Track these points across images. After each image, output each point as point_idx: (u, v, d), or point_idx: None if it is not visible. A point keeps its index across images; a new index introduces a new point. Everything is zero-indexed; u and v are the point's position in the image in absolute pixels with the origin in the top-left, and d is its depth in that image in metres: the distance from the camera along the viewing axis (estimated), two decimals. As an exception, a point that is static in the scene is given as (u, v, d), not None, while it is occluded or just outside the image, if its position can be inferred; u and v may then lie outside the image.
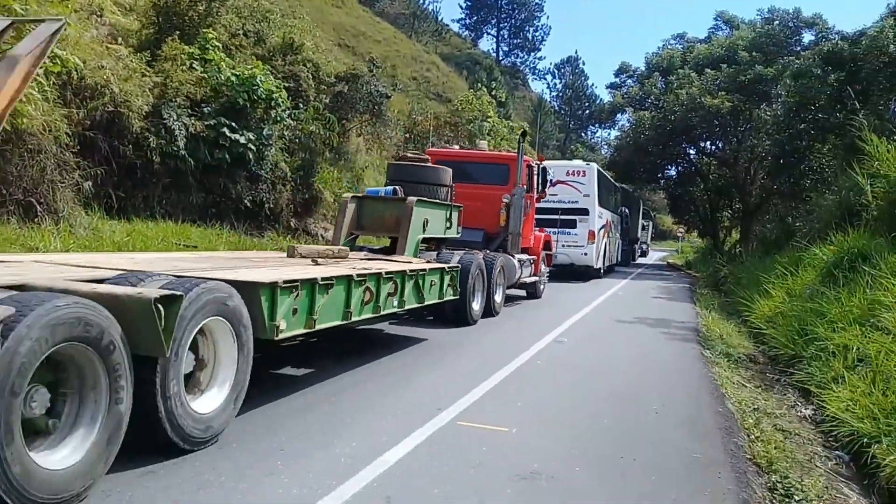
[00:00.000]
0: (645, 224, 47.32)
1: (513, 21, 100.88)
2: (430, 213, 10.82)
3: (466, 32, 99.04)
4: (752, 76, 28.64)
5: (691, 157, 36.99)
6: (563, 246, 20.66)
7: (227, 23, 20.89)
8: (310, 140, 21.61)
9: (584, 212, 22.75)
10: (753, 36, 30.54)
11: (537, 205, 16.13)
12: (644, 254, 48.06)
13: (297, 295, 5.63)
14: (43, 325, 3.37)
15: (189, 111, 17.36)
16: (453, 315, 10.82)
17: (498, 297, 12.44)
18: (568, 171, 22.96)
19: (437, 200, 11.31)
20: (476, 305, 11.29)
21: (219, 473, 4.35)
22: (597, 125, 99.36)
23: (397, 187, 11.12)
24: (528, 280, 15.08)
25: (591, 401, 6.95)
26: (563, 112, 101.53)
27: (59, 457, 3.63)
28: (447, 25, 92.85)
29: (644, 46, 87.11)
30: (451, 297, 9.74)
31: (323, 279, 6.03)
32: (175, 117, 16.68)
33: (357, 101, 25.27)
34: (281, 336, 5.47)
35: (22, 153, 13.33)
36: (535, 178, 15.40)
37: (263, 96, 18.38)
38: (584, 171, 23.49)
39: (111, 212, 15.96)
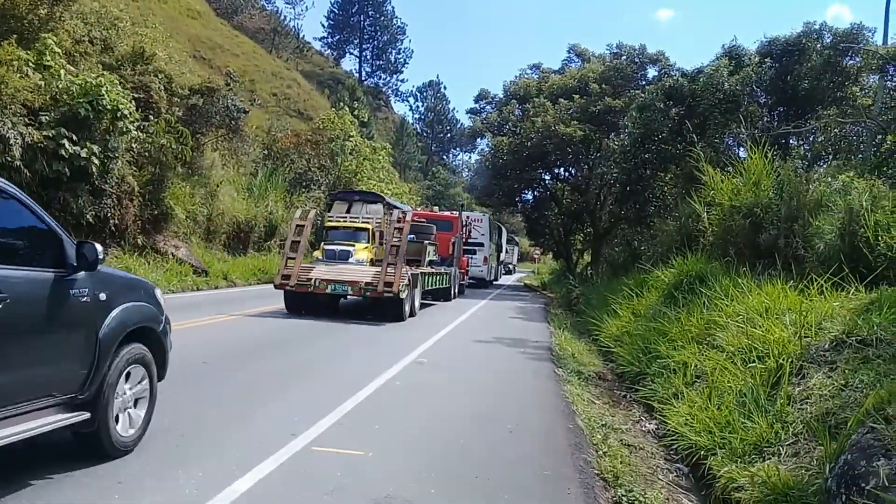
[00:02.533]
0: (509, 249, 56.94)
1: (375, 42, 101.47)
2: (430, 248, 21.17)
3: (329, 51, 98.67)
4: (602, 107, 30.21)
5: (546, 182, 38.41)
6: (470, 266, 30.63)
7: (70, 28, 19.66)
8: (160, 154, 20.61)
9: (481, 244, 34.27)
10: (603, 69, 32.23)
11: (452, 240, 25.17)
12: (510, 272, 58.30)
13: (423, 276, 18.28)
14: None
15: (26, 120, 16.13)
16: (443, 297, 22.26)
17: (457, 289, 24.66)
18: (472, 218, 33.61)
19: (431, 242, 21.45)
20: (453, 291, 23.35)
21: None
22: (458, 149, 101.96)
23: (414, 235, 19.05)
24: (461, 282, 26.23)
25: (448, 421, 6.96)
26: (425, 134, 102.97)
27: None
28: (309, 43, 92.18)
29: (502, 74, 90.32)
30: (446, 286, 22.02)
31: (426, 272, 18.89)
32: (10, 125, 15.44)
33: (213, 115, 24.50)
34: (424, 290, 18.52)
35: None
36: (464, 227, 27.26)
37: (109, 107, 17.35)
38: (481, 219, 36.10)
39: (-70, 226, 14.52)
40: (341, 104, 48.03)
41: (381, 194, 27.25)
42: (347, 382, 8.22)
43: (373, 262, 18.90)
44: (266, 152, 34.70)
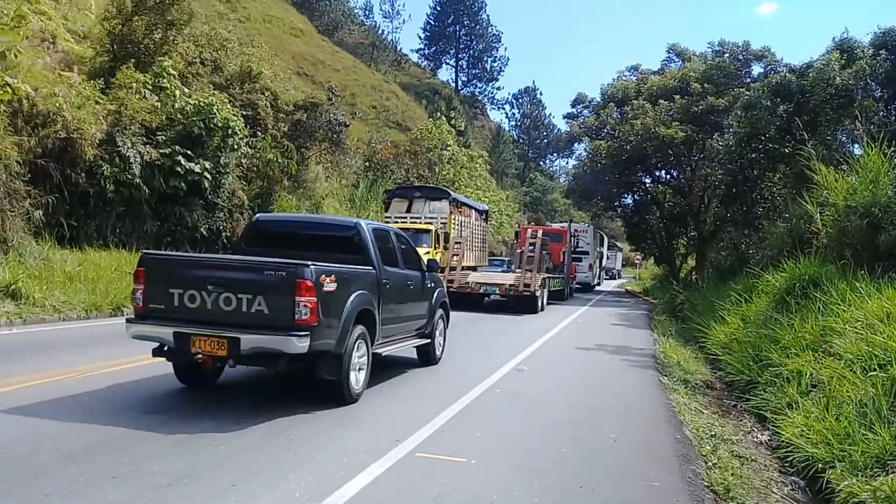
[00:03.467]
0: (611, 255, 59.59)
1: (471, 52, 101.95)
2: (546, 257, 23.42)
3: (426, 62, 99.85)
4: (704, 107, 29.32)
5: (647, 185, 37.61)
6: (577, 272, 34.04)
7: (183, 51, 20.75)
8: (268, 168, 21.47)
9: (586, 253, 36.74)
10: (705, 68, 31.28)
11: (563, 249, 28.41)
12: (614, 277, 62.55)
13: (549, 279, 22.69)
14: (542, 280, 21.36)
15: (144, 139, 17.14)
16: (559, 298, 25.54)
17: (568, 291, 28.22)
18: (578, 230, 35.86)
19: (547, 251, 24.11)
20: (566, 293, 27.12)
21: (169, 511, 4.22)
22: (555, 154, 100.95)
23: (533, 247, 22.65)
24: (570, 286, 29.80)
25: (549, 429, 6.92)
26: (521, 141, 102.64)
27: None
28: (406, 55, 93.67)
29: (599, 77, 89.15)
30: (561, 288, 25.79)
31: (550, 277, 23.36)
32: (129, 145, 16.46)
33: (316, 130, 25.26)
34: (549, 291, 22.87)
35: (-31, 181, 13.00)
36: (572, 238, 30.15)
37: (220, 125, 18.23)
38: (586, 230, 38.99)
39: (63, 241, 15.59)
40: (438, 114, 48.63)
41: (447, 189, 25.48)
42: (447, 389, 8.32)
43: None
44: (367, 164, 35.51)
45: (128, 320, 6.90)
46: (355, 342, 7.25)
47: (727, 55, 30.94)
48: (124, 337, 6.88)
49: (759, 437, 7.52)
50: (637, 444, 6.66)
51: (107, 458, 5.05)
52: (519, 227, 36.68)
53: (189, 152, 17.55)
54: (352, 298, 7.20)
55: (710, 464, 6.11)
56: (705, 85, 30.19)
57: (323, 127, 25.43)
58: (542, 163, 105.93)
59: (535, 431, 6.85)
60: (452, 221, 22.81)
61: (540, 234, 22.57)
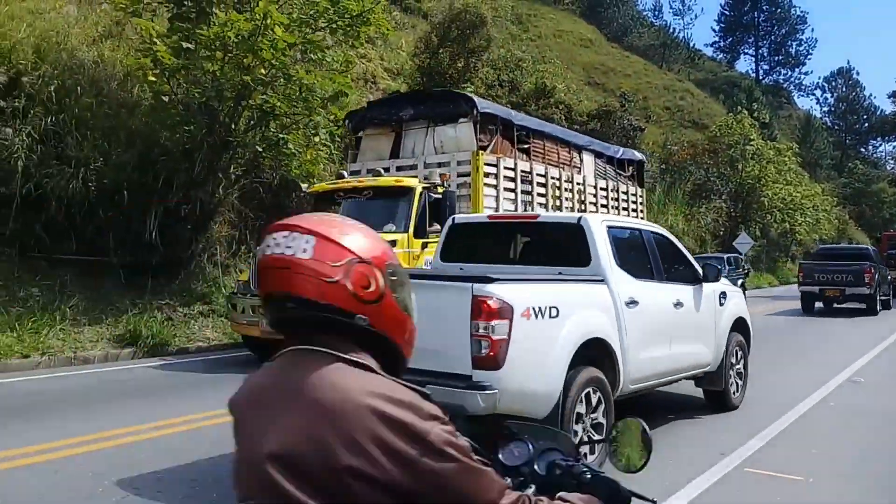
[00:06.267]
0: None
1: (772, 38, 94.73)
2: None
3: (721, 55, 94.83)
4: None
5: None
6: None
7: (483, 76, 22.10)
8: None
9: None
10: None
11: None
12: None
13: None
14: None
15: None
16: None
17: None
18: None
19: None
20: None
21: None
22: (878, 138, 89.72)
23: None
24: None
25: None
26: (836, 128, 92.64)
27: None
28: (700, 51, 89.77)
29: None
30: None
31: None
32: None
33: (610, 137, 25.32)
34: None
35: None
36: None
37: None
38: None
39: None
40: (738, 108, 45.74)
41: (471, 95, 13.18)
42: (773, 401, 7.84)
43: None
44: (662, 167, 34.66)
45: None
46: None
47: None
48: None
49: None
50: None
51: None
52: (880, 233, 39.99)
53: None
54: None
55: None
56: None
57: (617, 133, 25.40)
58: (862, 150, 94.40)
59: (881, 450, 6.19)
60: (481, 167, 11.08)
61: None
